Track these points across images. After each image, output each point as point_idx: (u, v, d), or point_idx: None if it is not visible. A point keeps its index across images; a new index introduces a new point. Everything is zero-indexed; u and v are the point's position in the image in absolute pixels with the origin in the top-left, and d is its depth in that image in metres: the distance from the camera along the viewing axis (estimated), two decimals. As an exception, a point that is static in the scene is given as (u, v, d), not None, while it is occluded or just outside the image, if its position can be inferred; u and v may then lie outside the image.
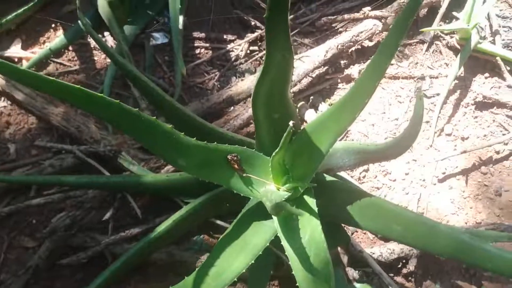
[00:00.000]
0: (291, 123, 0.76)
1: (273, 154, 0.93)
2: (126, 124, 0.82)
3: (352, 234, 1.41)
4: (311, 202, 1.02)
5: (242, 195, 1.04)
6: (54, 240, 1.20)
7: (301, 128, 1.01)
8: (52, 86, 0.73)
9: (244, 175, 1.03)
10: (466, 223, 1.45)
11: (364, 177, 1.50)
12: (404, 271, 1.36)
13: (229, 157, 1.00)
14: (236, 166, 1.01)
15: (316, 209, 1.00)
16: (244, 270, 1.03)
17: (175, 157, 0.89)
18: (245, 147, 1.02)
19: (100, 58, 1.65)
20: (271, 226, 1.07)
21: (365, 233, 1.42)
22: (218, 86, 1.65)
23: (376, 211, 1.02)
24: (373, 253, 1.32)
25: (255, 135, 1.07)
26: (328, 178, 1.11)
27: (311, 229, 0.99)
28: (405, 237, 0.98)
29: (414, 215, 0.99)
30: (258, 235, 1.07)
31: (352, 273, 1.23)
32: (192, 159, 0.91)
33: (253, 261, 1.03)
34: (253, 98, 0.93)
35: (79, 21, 1.62)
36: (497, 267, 0.87)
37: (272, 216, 1.03)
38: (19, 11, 1.59)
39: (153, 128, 0.82)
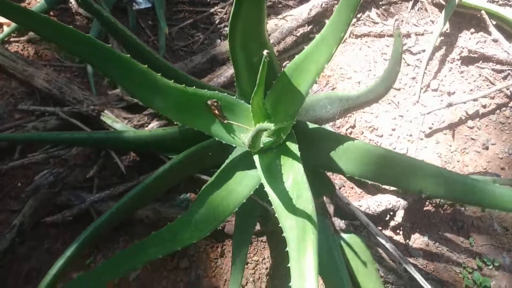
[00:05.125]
0: (265, 52, 0.75)
1: (252, 94, 0.92)
2: (100, 60, 0.81)
3: (340, 188, 1.41)
4: (294, 147, 1.02)
5: (224, 143, 1.04)
6: (38, 198, 1.19)
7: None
8: (31, 18, 0.73)
9: (225, 121, 1.02)
10: (453, 176, 1.45)
11: (350, 133, 1.50)
12: (392, 223, 1.36)
13: (209, 102, 0.99)
14: (216, 112, 1.00)
15: (298, 153, 1.00)
16: (227, 218, 1.04)
17: (151, 97, 0.87)
18: (225, 94, 1.01)
19: (82, 23, 1.62)
20: (255, 175, 1.06)
21: (352, 188, 1.42)
22: (202, 49, 1.63)
23: (358, 154, 1.02)
24: (361, 206, 1.32)
25: (236, 83, 1.06)
26: (311, 126, 1.11)
27: (293, 173, 0.98)
28: (388, 177, 0.98)
29: (396, 155, 0.98)
30: (242, 184, 1.06)
31: (339, 223, 1.23)
32: (169, 101, 0.90)
33: (236, 209, 1.03)
34: (229, 38, 0.91)
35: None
36: (483, 201, 0.87)
37: (256, 164, 1.03)
38: (-2, -24, 1.56)
39: (127, 66, 0.81)
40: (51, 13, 1.62)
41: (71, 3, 1.64)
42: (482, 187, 0.86)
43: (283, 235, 0.90)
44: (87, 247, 1.16)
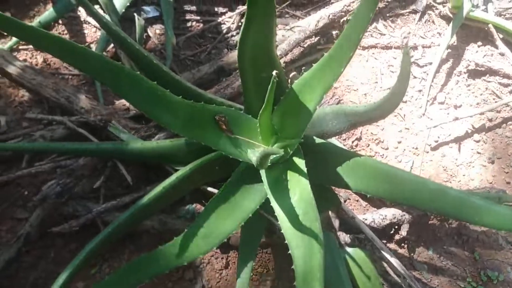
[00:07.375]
0: (274, 73, 0.75)
1: (260, 111, 0.92)
2: (109, 78, 0.81)
3: (345, 201, 1.41)
4: (300, 163, 1.02)
5: (231, 157, 1.04)
6: (45, 207, 1.20)
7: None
8: (41, 38, 0.73)
9: (232, 136, 1.03)
10: (458, 190, 1.45)
11: (356, 145, 1.50)
12: (397, 237, 1.36)
13: (217, 117, 0.99)
14: (224, 126, 1.00)
15: (305, 169, 1.00)
16: (233, 232, 1.04)
17: (159, 113, 0.88)
18: (233, 108, 1.02)
19: (90, 31, 1.63)
20: (261, 189, 1.07)
21: (357, 201, 1.42)
22: (210, 58, 1.64)
23: (365, 170, 1.02)
24: (366, 219, 1.32)
25: (243, 97, 1.07)
26: (318, 140, 1.11)
27: (300, 189, 0.99)
28: (394, 194, 0.99)
29: (402, 173, 0.99)
30: (248, 198, 1.07)
31: (344, 237, 1.23)
32: (177, 116, 0.90)
33: (242, 223, 1.03)
34: (238, 54, 0.92)
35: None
36: (484, 220, 0.87)
37: (262, 179, 1.03)
38: (8, -16, 1.58)
39: (136, 83, 0.82)
40: (60, 21, 1.62)
41: (79, 11, 1.65)
42: (487, 208, 0.86)
43: (288, 252, 0.90)
44: (93, 257, 1.16)
